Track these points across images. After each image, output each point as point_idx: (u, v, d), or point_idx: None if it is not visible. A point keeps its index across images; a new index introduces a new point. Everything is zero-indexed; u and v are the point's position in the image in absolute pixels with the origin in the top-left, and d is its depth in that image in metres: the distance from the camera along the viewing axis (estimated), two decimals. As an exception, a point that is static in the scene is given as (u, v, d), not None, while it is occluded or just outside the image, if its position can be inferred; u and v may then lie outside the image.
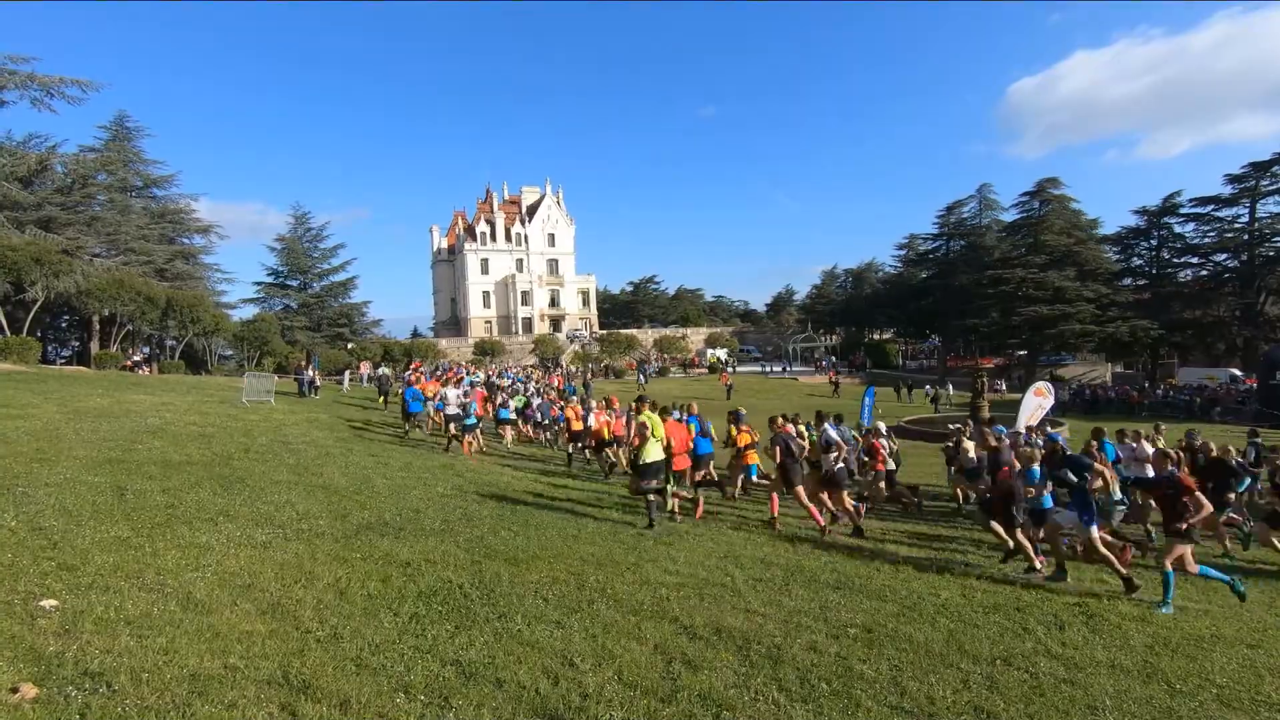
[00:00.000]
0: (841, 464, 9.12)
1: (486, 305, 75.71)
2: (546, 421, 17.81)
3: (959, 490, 11.37)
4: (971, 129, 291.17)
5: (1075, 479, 6.91)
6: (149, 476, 7.69)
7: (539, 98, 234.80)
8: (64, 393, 14.62)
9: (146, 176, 42.43)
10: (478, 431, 14.50)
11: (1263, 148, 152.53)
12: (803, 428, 10.98)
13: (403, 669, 3.56)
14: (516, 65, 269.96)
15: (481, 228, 76.15)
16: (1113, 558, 6.64)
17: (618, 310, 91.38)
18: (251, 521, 6.31)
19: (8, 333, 24.54)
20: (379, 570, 5.25)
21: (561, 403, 17.77)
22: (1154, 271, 50.60)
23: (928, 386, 39.44)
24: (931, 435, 21.63)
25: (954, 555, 7.82)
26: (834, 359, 58.72)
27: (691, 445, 9.34)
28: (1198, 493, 6.26)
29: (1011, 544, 7.19)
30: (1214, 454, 9.20)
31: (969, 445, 10.41)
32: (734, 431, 10.79)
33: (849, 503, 9.03)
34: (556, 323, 74.56)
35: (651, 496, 8.22)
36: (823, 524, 8.51)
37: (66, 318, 36.06)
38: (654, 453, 8.23)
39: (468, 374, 27.55)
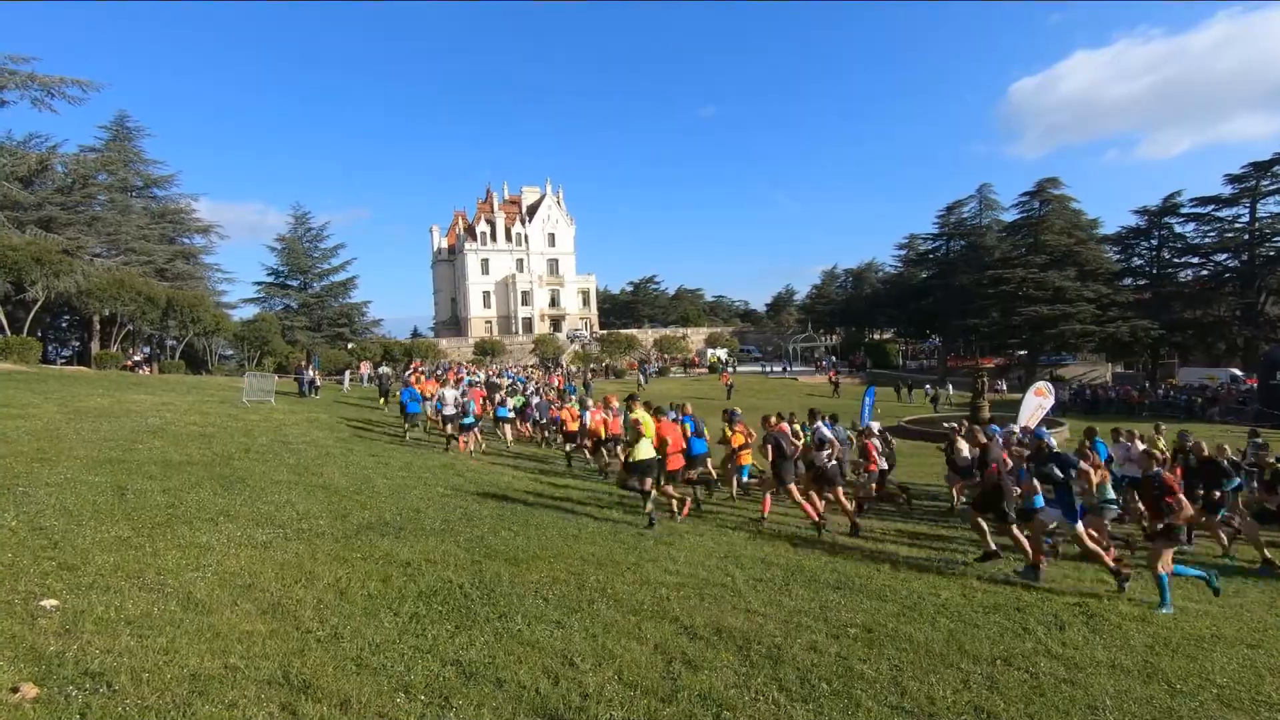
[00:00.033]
0: (834, 462, 9.13)
1: (487, 305, 75.74)
2: (545, 421, 17.84)
3: (955, 489, 11.38)
4: (971, 129, 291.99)
5: (1060, 474, 6.92)
6: (149, 476, 7.69)
7: (539, 98, 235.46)
8: (64, 392, 14.63)
9: (147, 176, 42.47)
10: (475, 431, 14.51)
11: (1263, 148, 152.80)
12: (797, 427, 11.02)
13: (403, 669, 3.56)
14: (516, 65, 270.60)
15: (482, 228, 76.18)
16: (1100, 551, 6.68)
17: (618, 310, 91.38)
18: (252, 521, 6.31)
19: (8, 333, 24.54)
20: (379, 570, 5.26)
21: (560, 403, 17.79)
22: (1154, 271, 50.58)
23: (928, 386, 39.43)
24: (932, 435, 21.66)
25: (954, 555, 7.82)
26: (834, 359, 58.63)
27: (686, 445, 9.36)
28: (1179, 493, 6.28)
29: (994, 545, 7.19)
30: (1205, 454, 9.20)
31: (962, 444, 10.40)
32: (728, 431, 10.82)
33: (845, 500, 9.03)
34: (557, 323, 74.58)
35: (642, 497, 8.22)
36: (818, 517, 8.51)
37: (67, 318, 36.10)
38: (644, 451, 8.25)
39: (468, 374, 27.58)
